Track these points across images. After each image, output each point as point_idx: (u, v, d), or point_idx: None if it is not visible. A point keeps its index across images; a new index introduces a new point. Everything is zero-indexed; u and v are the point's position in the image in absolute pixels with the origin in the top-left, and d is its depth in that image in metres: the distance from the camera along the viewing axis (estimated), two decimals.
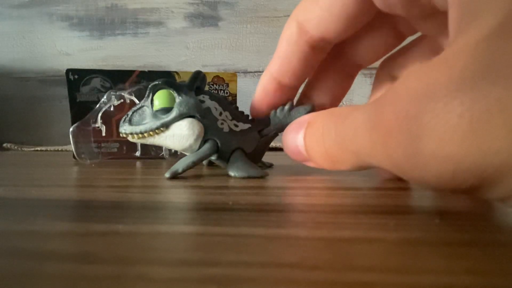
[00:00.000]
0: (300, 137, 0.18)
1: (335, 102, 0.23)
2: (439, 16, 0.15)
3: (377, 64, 0.22)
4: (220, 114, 0.21)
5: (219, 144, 0.21)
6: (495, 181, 0.09)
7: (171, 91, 0.21)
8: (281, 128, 0.22)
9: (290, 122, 0.21)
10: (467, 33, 0.10)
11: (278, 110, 0.23)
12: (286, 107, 0.22)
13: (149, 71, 0.32)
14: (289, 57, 0.20)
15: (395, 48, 0.20)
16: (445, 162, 0.10)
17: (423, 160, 0.10)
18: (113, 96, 0.28)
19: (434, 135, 0.10)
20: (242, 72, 0.63)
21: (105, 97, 0.28)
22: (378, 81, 0.21)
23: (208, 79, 0.33)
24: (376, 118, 0.12)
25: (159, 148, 0.32)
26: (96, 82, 0.31)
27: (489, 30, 0.09)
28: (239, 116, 0.22)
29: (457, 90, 0.09)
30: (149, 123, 0.20)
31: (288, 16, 0.20)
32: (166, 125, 0.20)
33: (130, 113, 0.21)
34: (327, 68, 0.22)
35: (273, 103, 0.22)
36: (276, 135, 0.23)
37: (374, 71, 0.22)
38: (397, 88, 0.11)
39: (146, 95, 0.21)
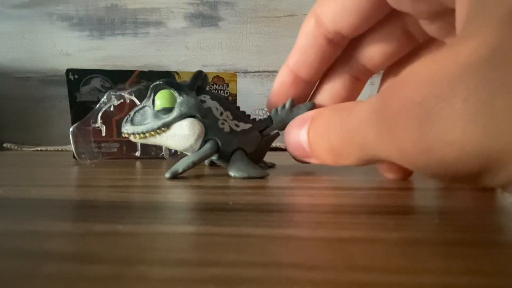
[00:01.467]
0: (303, 132, 0.18)
1: None
2: (447, 16, 0.15)
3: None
4: (221, 114, 0.21)
5: (219, 144, 0.21)
6: (498, 166, 0.09)
7: (172, 91, 0.21)
8: (283, 127, 0.23)
9: (292, 119, 0.21)
10: (474, 23, 0.10)
11: (279, 108, 0.23)
12: (287, 105, 0.22)
13: (149, 71, 0.32)
14: (306, 50, 0.21)
15: (405, 53, 0.20)
16: (450, 146, 0.10)
17: (428, 145, 0.10)
18: (113, 96, 0.28)
19: (440, 119, 0.10)
20: (242, 72, 0.63)
21: (105, 97, 0.28)
22: (384, 84, 0.21)
23: (208, 79, 0.33)
24: (382, 107, 0.12)
25: (159, 148, 0.32)
26: (96, 82, 0.31)
27: (497, 19, 0.09)
28: (240, 116, 0.22)
29: (463, 74, 0.09)
30: (151, 123, 0.20)
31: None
32: (167, 125, 0.20)
33: (132, 113, 0.21)
34: (337, 73, 0.22)
35: (290, 96, 0.23)
36: (277, 135, 0.23)
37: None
38: (402, 77, 0.11)
39: (147, 95, 0.21)
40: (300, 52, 0.21)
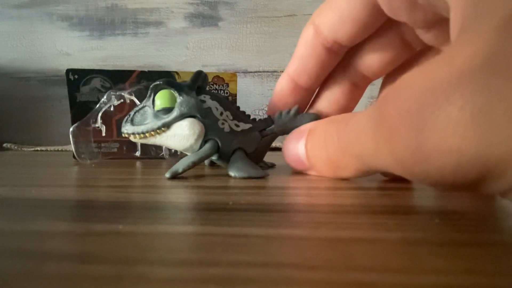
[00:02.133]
0: (301, 145, 0.19)
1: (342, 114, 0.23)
2: (443, 25, 0.15)
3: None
4: (221, 114, 0.21)
5: (219, 144, 0.21)
6: (497, 173, 0.09)
7: (172, 91, 0.21)
8: (284, 131, 0.23)
9: (294, 127, 0.21)
10: (469, 31, 0.10)
11: (283, 113, 0.23)
12: (292, 111, 0.22)
13: (149, 71, 0.32)
14: (305, 59, 0.21)
15: (403, 60, 0.20)
16: (448, 155, 0.10)
17: (426, 154, 0.10)
18: (113, 96, 0.28)
19: (437, 128, 0.10)
20: (242, 72, 0.63)
21: (105, 97, 0.28)
22: (383, 91, 0.21)
23: (208, 79, 0.33)
24: (378, 117, 0.12)
25: (159, 148, 0.32)
26: (96, 82, 0.31)
27: (490, 27, 0.09)
28: (240, 116, 0.22)
29: (458, 83, 0.09)
30: (151, 123, 0.20)
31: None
32: (167, 125, 0.20)
33: (132, 113, 0.21)
34: (336, 81, 0.22)
35: (289, 104, 0.23)
36: (277, 135, 0.23)
37: None
38: (398, 86, 0.11)
39: (147, 95, 0.21)
40: (300, 60, 0.21)
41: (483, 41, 0.09)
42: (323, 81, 0.23)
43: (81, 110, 0.30)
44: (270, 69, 0.63)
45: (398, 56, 0.20)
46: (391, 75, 0.21)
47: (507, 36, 0.09)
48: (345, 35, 0.19)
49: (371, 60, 0.21)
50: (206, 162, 0.26)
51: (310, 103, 0.24)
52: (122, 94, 0.28)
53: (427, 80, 0.10)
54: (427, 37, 0.18)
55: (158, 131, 0.20)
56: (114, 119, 0.30)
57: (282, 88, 0.22)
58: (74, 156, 0.29)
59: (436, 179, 0.10)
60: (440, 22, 0.15)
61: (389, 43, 0.20)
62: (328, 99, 0.22)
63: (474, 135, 0.09)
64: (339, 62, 0.21)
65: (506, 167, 0.09)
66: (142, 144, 0.31)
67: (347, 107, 0.23)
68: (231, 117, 0.22)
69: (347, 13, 0.18)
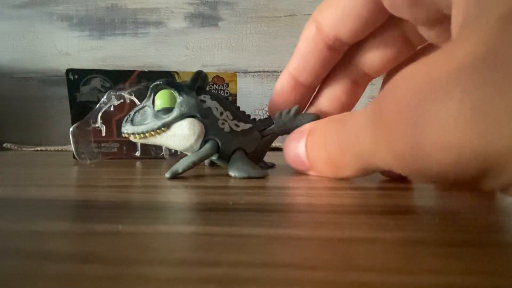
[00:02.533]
0: (301, 145, 0.19)
1: (343, 111, 0.23)
2: (445, 22, 0.15)
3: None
4: (221, 114, 0.21)
5: (219, 144, 0.21)
6: (498, 168, 0.09)
7: (172, 91, 0.21)
8: (284, 131, 0.23)
9: (294, 127, 0.21)
10: (469, 27, 0.10)
11: (283, 113, 0.23)
12: (292, 111, 0.22)
13: (149, 71, 0.32)
14: (306, 55, 0.21)
15: (404, 58, 0.20)
16: (448, 150, 0.09)
17: (426, 149, 0.10)
18: (113, 96, 0.28)
19: (436, 123, 0.09)
20: (242, 72, 0.63)
21: (105, 97, 0.28)
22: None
23: (208, 79, 0.33)
24: (377, 114, 0.12)
25: (159, 148, 0.32)
26: (96, 82, 0.31)
27: (491, 22, 0.09)
28: (240, 116, 0.22)
29: (458, 77, 0.09)
30: (151, 123, 0.20)
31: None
32: (167, 125, 0.20)
33: (132, 113, 0.21)
34: (337, 78, 0.22)
35: (290, 102, 0.23)
36: (277, 135, 0.23)
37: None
38: (397, 82, 0.11)
39: (147, 95, 0.21)
40: (301, 57, 0.21)
41: (484, 36, 0.09)
42: (324, 79, 0.23)
43: (81, 110, 0.30)
44: (270, 69, 0.63)
45: (399, 54, 0.20)
46: (392, 73, 0.21)
47: (508, 32, 0.09)
48: (346, 32, 0.19)
49: (372, 57, 0.20)
50: (206, 162, 0.26)
51: (310, 101, 0.24)
52: (122, 94, 0.28)
53: (427, 74, 0.10)
54: (429, 34, 0.17)
55: (158, 131, 0.20)
56: (114, 119, 0.30)
57: (283, 86, 0.22)
58: (74, 156, 0.29)
59: (436, 175, 0.10)
60: (442, 20, 0.15)
61: (390, 41, 0.20)
62: (329, 97, 0.22)
63: (475, 130, 0.09)
64: (340, 60, 0.21)
65: (506, 163, 0.09)
66: (142, 144, 0.31)
67: (348, 104, 0.23)
68: (231, 117, 0.22)
69: (349, 10, 0.18)
